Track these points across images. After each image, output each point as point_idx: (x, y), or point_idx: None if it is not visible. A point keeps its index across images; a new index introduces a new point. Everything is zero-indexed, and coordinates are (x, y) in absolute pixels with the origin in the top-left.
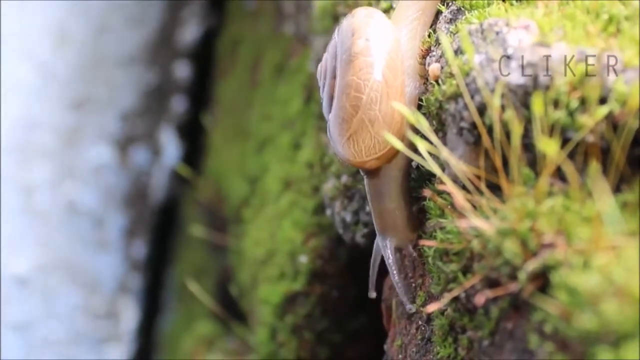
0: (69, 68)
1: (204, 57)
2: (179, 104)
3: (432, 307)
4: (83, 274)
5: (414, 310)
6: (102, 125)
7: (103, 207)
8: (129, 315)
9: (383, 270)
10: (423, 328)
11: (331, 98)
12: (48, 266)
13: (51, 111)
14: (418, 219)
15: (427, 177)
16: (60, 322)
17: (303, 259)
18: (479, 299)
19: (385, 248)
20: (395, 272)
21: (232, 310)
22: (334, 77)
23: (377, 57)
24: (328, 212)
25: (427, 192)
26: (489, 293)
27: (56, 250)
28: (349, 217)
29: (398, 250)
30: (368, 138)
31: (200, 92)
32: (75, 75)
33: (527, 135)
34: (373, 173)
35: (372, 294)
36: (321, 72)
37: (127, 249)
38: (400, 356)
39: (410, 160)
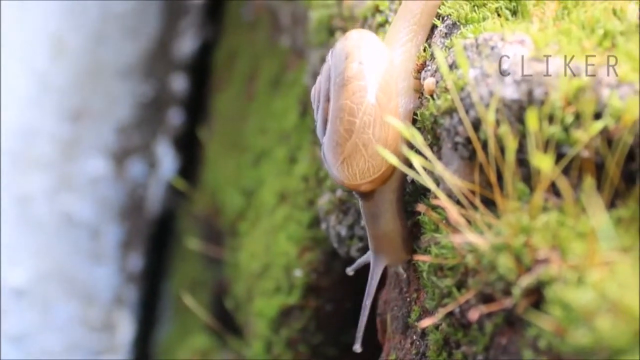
0: (66, 79)
1: (201, 69)
2: (175, 117)
3: (426, 322)
4: (79, 286)
5: (359, 350)
6: (98, 136)
7: (99, 219)
8: (125, 327)
9: (379, 286)
10: (417, 343)
11: (325, 121)
12: (44, 278)
13: (48, 122)
14: (413, 239)
15: (422, 192)
16: (56, 333)
17: (298, 273)
18: (473, 314)
19: (374, 267)
20: (371, 295)
21: (227, 323)
22: (327, 100)
23: (370, 80)
24: (323, 225)
25: (421, 207)
26: (483, 308)
27: (53, 261)
28: (344, 231)
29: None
30: (362, 162)
31: (197, 105)
32: (72, 86)
33: (521, 150)
34: (367, 196)
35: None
36: (315, 94)
37: (123, 261)
38: None
39: (404, 182)
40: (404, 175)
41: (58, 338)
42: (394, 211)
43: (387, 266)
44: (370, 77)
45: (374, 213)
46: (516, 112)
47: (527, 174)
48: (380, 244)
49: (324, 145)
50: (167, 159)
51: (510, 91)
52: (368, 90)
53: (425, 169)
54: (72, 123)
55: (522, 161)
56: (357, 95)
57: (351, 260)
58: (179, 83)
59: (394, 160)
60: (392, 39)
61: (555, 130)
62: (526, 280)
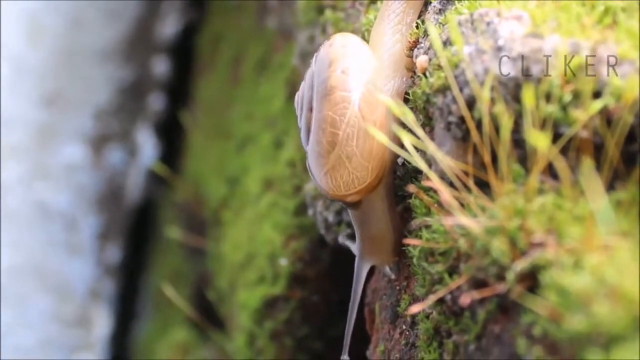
0: (42, 62)
1: (184, 52)
2: (156, 102)
3: (416, 308)
4: (54, 279)
5: None
6: (75, 123)
7: (75, 209)
8: (102, 323)
9: (368, 275)
10: (407, 333)
11: (308, 130)
12: (17, 271)
13: (23, 107)
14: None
15: (413, 175)
16: (30, 329)
17: (283, 262)
18: (465, 300)
19: (359, 268)
20: (357, 295)
21: (209, 316)
22: (310, 109)
23: (353, 90)
24: (310, 212)
25: (412, 189)
26: (476, 294)
27: (26, 254)
28: (331, 217)
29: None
30: (346, 174)
31: (179, 90)
32: (48, 70)
33: (517, 130)
34: (355, 205)
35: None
36: (298, 101)
37: (100, 253)
38: None
39: (393, 189)
40: (393, 182)
41: (31, 334)
42: (384, 216)
43: (373, 266)
44: (354, 87)
45: (363, 220)
46: (512, 90)
47: (523, 155)
48: (369, 246)
49: (307, 154)
50: (147, 146)
51: (506, 68)
52: (351, 101)
53: (416, 149)
54: (47, 108)
55: (518, 142)
56: (340, 106)
57: (339, 249)
58: (161, 67)
59: (384, 140)
60: (377, 43)
61: (552, 109)
62: (521, 265)
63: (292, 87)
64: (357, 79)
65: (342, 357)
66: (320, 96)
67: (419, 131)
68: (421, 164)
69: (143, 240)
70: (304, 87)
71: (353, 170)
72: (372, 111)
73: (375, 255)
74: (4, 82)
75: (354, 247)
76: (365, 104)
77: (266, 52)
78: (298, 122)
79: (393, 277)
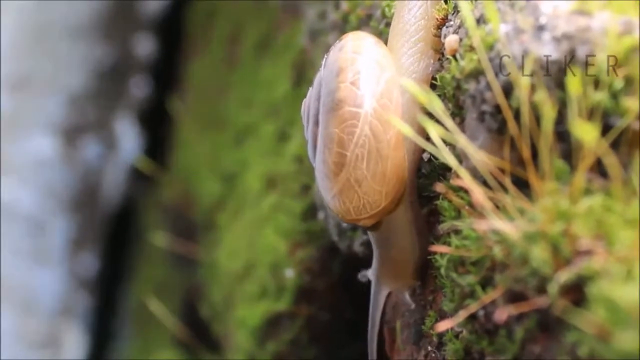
0: (6, 41)
1: (171, 30)
2: (139, 87)
3: (443, 326)
4: (18, 293)
5: None
6: (44, 110)
7: (44, 211)
8: (73, 343)
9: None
10: (433, 354)
11: (315, 145)
12: None
13: None
14: (426, 264)
15: (441, 172)
16: None
17: (289, 274)
18: (501, 316)
19: (376, 293)
20: (376, 323)
21: (201, 335)
22: (316, 123)
23: (364, 106)
24: (320, 215)
25: (440, 188)
26: (513, 309)
27: None
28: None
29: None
30: (355, 199)
31: (166, 73)
32: (13, 50)
33: (561, 121)
34: (373, 226)
35: None
36: (304, 109)
37: (72, 262)
38: None
39: (418, 201)
40: (416, 194)
41: None
42: (411, 236)
43: (390, 294)
44: (365, 102)
45: (383, 241)
46: (555, 76)
47: (568, 150)
48: (387, 270)
49: (315, 171)
50: (128, 138)
51: (548, 50)
52: (361, 118)
53: (445, 142)
54: (12, 94)
55: (562, 134)
56: (349, 123)
57: (352, 258)
58: (145, 46)
59: (409, 132)
60: (396, 42)
61: (601, 97)
62: (565, 275)
63: (300, 71)
64: (368, 92)
65: None
66: (326, 110)
67: (448, 122)
68: (450, 160)
69: (123, 248)
70: (311, 95)
71: (363, 195)
72: (385, 130)
73: (394, 279)
74: None
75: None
76: (377, 122)
77: (268, 30)
78: (304, 133)
79: (413, 306)
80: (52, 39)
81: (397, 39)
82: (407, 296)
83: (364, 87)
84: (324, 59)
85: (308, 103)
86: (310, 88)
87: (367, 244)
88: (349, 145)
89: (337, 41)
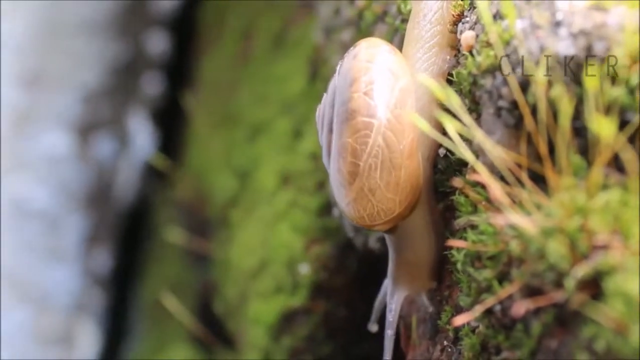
0: (21, 37)
1: (184, 26)
2: (152, 83)
3: (460, 320)
4: (32, 289)
5: None
6: (58, 107)
7: (58, 208)
8: (87, 340)
9: None
10: (449, 350)
11: (329, 152)
12: None
13: None
14: (442, 264)
15: (457, 168)
16: (2, 346)
17: (304, 269)
18: (517, 310)
19: (392, 296)
20: (393, 325)
21: (215, 331)
22: (330, 130)
23: (377, 116)
24: (335, 212)
25: (457, 183)
26: (530, 304)
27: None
28: None
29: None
30: (369, 207)
31: (179, 69)
32: (27, 46)
33: (578, 117)
34: (389, 230)
35: (374, 327)
36: (319, 115)
37: (86, 260)
38: None
39: (435, 210)
40: (433, 198)
41: (4, 352)
42: (429, 239)
43: (406, 298)
44: (378, 112)
45: (399, 244)
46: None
47: (584, 145)
48: (403, 271)
49: (329, 177)
50: (142, 135)
51: (565, 46)
52: (374, 129)
53: (462, 137)
54: (26, 90)
55: (579, 130)
56: (362, 134)
57: (368, 254)
58: (158, 43)
59: (425, 127)
60: (411, 48)
61: (618, 92)
62: (582, 270)
63: (314, 67)
64: (382, 103)
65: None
66: (340, 119)
67: (465, 117)
68: (467, 155)
69: (137, 245)
70: (325, 101)
71: (377, 203)
72: (399, 140)
73: (410, 282)
74: None
75: (381, 296)
76: (391, 132)
77: (281, 26)
78: (319, 138)
79: (430, 309)
80: (67, 36)
81: (412, 44)
82: (425, 299)
83: (377, 97)
84: (339, 66)
85: (322, 109)
86: (325, 94)
87: (382, 240)
88: (362, 156)
89: (352, 47)
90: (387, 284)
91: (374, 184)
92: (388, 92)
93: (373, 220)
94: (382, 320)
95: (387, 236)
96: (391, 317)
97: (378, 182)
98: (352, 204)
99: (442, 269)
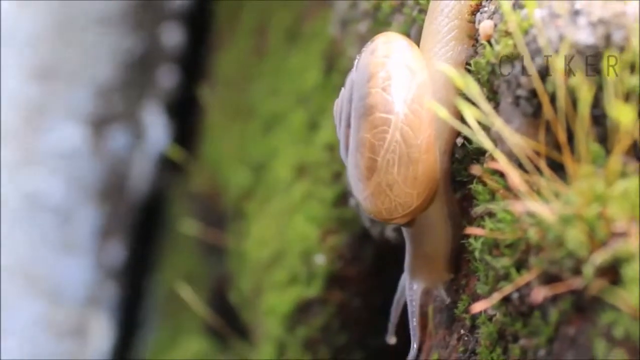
0: (34, 30)
1: (199, 19)
2: (167, 77)
3: (477, 307)
4: (45, 282)
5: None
6: (72, 100)
7: (72, 201)
8: (101, 332)
9: None
10: (466, 338)
11: (347, 146)
12: (3, 271)
13: (11, 82)
14: (458, 256)
15: (474, 157)
16: (16, 339)
17: (319, 260)
18: (536, 297)
19: (411, 289)
20: (416, 317)
21: (230, 322)
22: (348, 125)
23: (394, 112)
24: (352, 202)
25: (476, 171)
26: (548, 291)
27: (13, 252)
28: None
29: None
30: (387, 201)
31: (194, 62)
32: (40, 40)
33: (596, 105)
34: (407, 223)
35: (392, 340)
36: (337, 110)
37: (100, 252)
38: None
39: (453, 202)
40: (451, 190)
41: (17, 345)
42: (447, 232)
43: (424, 290)
44: (395, 108)
45: (418, 236)
46: (591, 60)
47: (603, 134)
48: (421, 264)
49: (347, 172)
50: (156, 128)
51: (584, 35)
52: (392, 124)
53: (480, 125)
54: (39, 84)
55: (597, 118)
56: (380, 129)
57: (384, 245)
58: (173, 36)
59: (444, 115)
60: (428, 42)
61: (637, 81)
62: (600, 257)
63: (330, 60)
64: (399, 98)
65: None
66: (358, 115)
67: (484, 105)
68: (486, 143)
69: (151, 237)
70: (343, 96)
71: (395, 198)
72: (416, 135)
73: (427, 274)
74: None
75: (396, 301)
76: (408, 128)
77: (296, 20)
78: (337, 132)
79: (448, 300)
80: (81, 29)
81: (428, 39)
82: (442, 291)
83: (394, 93)
84: (356, 60)
85: (340, 104)
86: (343, 89)
87: (399, 230)
88: (380, 151)
89: (369, 42)
90: (403, 280)
91: (392, 179)
92: (405, 87)
93: (391, 214)
94: (399, 330)
95: (404, 229)
96: (413, 308)
97: (396, 177)
98: (370, 199)
99: (459, 259)
